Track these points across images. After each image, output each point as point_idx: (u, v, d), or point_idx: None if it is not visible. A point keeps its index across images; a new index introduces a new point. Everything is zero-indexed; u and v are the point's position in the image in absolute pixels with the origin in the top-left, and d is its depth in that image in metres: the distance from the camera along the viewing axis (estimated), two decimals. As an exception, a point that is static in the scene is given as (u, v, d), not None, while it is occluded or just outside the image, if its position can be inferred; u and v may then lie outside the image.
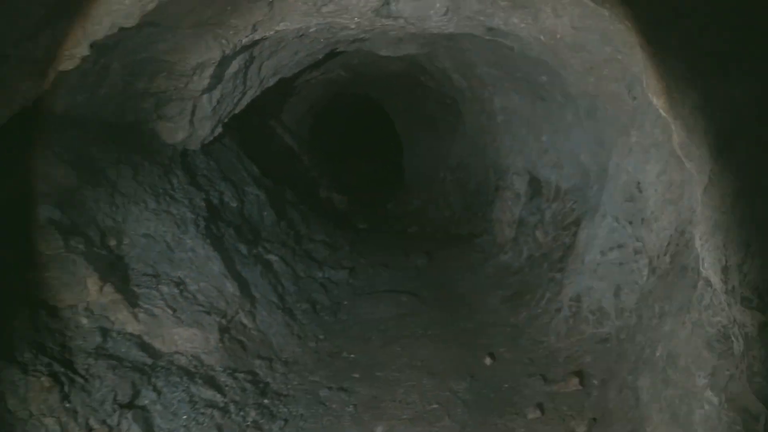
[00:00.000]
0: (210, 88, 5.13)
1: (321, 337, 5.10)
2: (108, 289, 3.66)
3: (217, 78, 5.14)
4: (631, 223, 4.12)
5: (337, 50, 6.52)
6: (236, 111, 6.06)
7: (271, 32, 4.79)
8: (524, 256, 6.40)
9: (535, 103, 5.92)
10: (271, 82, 6.33)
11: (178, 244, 4.55)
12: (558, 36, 4.10)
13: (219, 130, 5.89)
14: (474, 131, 8.60)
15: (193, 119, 5.26)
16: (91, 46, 2.87)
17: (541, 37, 4.26)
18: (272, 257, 5.80)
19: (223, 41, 4.43)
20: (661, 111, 2.67)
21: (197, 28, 4.09)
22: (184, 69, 4.32)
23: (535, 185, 6.33)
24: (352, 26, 4.85)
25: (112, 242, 4.04)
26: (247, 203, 6.21)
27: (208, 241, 4.87)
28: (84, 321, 3.45)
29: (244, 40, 4.68)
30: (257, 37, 4.75)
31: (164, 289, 4.09)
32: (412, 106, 10.94)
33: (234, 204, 5.90)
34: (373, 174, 12.74)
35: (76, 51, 2.78)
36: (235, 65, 5.22)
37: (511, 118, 6.42)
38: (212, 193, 5.62)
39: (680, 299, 2.97)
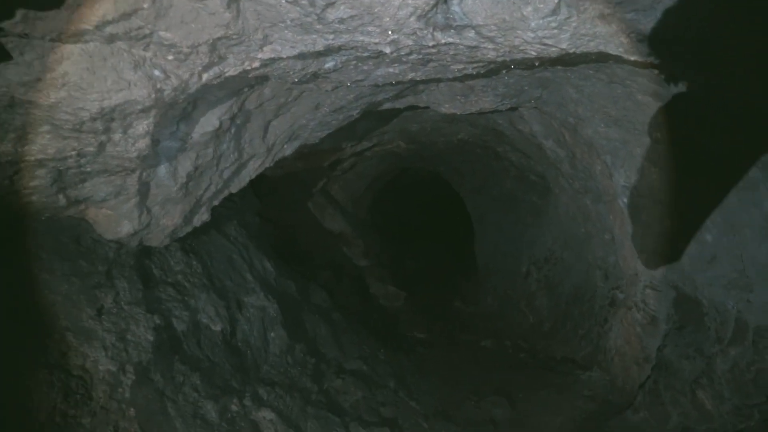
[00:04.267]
0: (165, 155, 3.15)
1: None
2: None
3: (177, 139, 3.17)
4: None
5: (382, 106, 4.46)
6: (233, 189, 4.05)
7: (255, 63, 2.77)
8: (672, 424, 3.74)
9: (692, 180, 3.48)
10: (288, 149, 4.31)
11: (60, 419, 2.40)
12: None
13: (204, 216, 3.87)
14: (570, 217, 6.15)
15: (145, 203, 3.26)
16: None
17: None
18: (264, 415, 3.52)
19: (156, 72, 2.44)
20: None
21: (87, 43, 2.12)
22: (79, 118, 2.33)
23: (689, 309, 3.76)
24: (387, 51, 2.74)
25: None
26: (242, 323, 4.05)
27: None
28: None
29: (206, 76, 2.68)
30: (230, 71, 2.74)
31: None
32: (485, 183, 8.68)
33: (217, 327, 3.75)
34: (438, 262, 10.40)
35: None
36: (211, 120, 3.25)
37: (642, 203, 3.98)
38: (178, 312, 3.51)
39: None
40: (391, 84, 3.58)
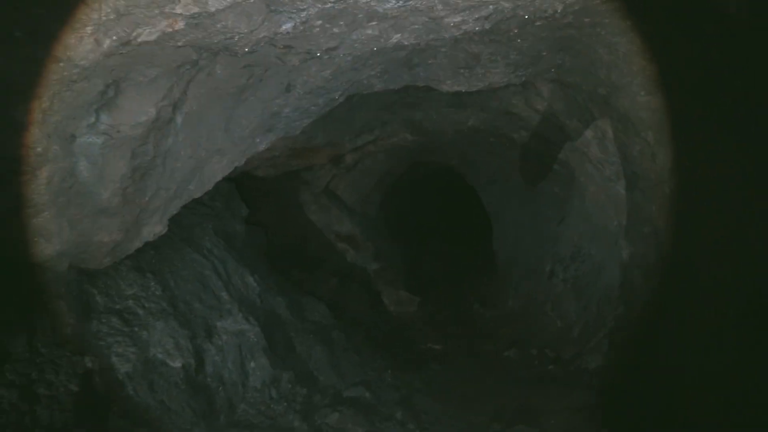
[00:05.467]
0: (84, 155, 2.40)
1: None
2: None
3: (99, 133, 2.42)
4: None
5: (372, 87, 3.66)
6: (195, 193, 3.30)
7: (179, 24, 2.01)
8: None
9: None
10: (262, 143, 3.56)
11: None
12: None
13: (157, 229, 3.12)
14: (600, 208, 5.27)
15: (65, 216, 2.52)
16: None
17: None
18: (235, 472, 2.76)
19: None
20: None
21: None
22: None
23: (768, 322, 2.87)
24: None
25: None
26: (212, 354, 3.30)
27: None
28: None
29: (107, 42, 1.92)
30: (144, 34, 1.98)
31: None
32: (501, 175, 7.81)
33: (176, 363, 3.00)
34: (455, 261, 9.57)
35: None
36: (144, 107, 2.49)
37: (698, 189, 3.12)
38: (122, 349, 2.76)
39: None
40: (373, 52, 2.77)
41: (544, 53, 3.23)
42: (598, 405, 4.26)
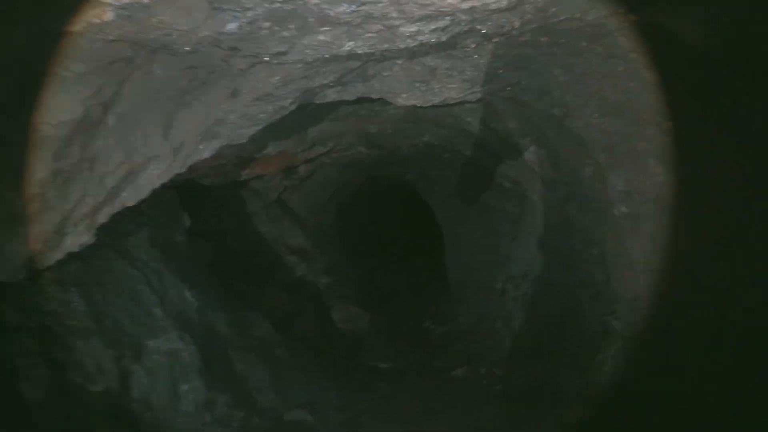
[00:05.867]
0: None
1: None
2: None
3: (16, 131, 2.18)
4: None
5: (325, 97, 3.52)
6: (128, 201, 3.05)
7: (107, 14, 1.81)
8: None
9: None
10: (205, 151, 3.34)
11: None
12: None
13: (83, 238, 2.84)
14: (550, 228, 5.30)
15: (-30, 223, 2.25)
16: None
17: None
18: None
19: None
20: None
21: None
22: None
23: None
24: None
25: None
26: (140, 376, 3.03)
27: None
28: None
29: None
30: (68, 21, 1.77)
31: None
32: (456, 191, 7.80)
33: (96, 386, 2.73)
34: (409, 277, 9.48)
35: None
36: (70, 105, 2.27)
37: (646, 211, 3.13)
38: (34, 372, 2.48)
39: None
40: (325, 60, 2.64)
41: (501, 71, 3.19)
42: (547, 427, 4.22)
